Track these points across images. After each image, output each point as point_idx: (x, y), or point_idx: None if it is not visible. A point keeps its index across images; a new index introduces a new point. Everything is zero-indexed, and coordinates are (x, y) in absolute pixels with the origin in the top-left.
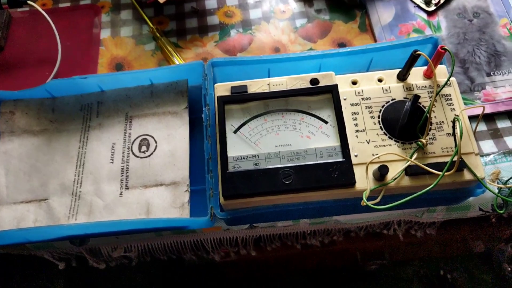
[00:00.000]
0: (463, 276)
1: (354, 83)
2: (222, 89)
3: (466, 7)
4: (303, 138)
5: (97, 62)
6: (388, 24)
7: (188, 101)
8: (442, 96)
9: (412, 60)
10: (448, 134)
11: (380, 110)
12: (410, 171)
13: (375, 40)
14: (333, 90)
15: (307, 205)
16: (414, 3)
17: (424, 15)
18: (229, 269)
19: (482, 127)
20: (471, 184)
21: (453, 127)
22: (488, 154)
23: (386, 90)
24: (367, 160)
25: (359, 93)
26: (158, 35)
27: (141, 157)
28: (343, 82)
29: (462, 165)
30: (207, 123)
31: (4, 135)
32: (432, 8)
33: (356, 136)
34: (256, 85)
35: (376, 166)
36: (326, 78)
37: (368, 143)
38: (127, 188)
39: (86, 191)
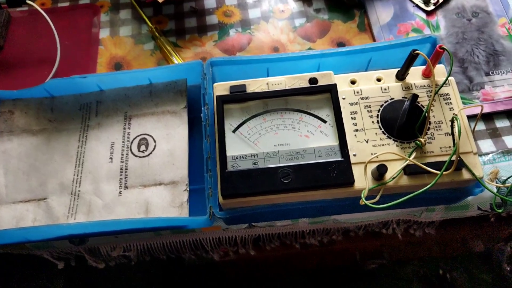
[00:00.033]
0: (463, 275)
1: (353, 82)
2: (221, 88)
3: (465, 7)
4: (302, 138)
5: (96, 62)
6: (387, 23)
7: (187, 100)
8: (440, 96)
9: (411, 60)
10: (447, 133)
11: (379, 109)
12: (409, 170)
13: (374, 40)
14: (332, 89)
15: (306, 204)
16: (413, 2)
17: (423, 15)
18: (229, 268)
19: (480, 126)
20: (469, 183)
21: (452, 127)
22: (487, 154)
23: (385, 89)
24: (366, 159)
25: (358, 92)
26: (157, 34)
27: (140, 157)
28: (342, 82)
29: (460, 164)
30: (206, 123)
31: (3, 134)
32: (431, 7)
33: (355, 135)
34: (255, 85)
35: (374, 165)
36: (325, 78)
37: (367, 142)
38: (126, 187)
39: (85, 191)
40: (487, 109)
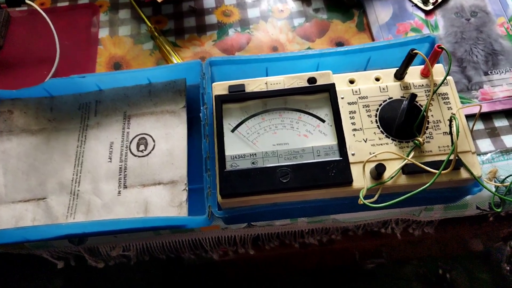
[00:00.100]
0: (462, 275)
1: (352, 82)
2: (220, 88)
3: (464, 6)
4: (300, 137)
5: (96, 61)
6: (385, 23)
7: (186, 100)
8: (439, 95)
9: (409, 59)
10: (445, 132)
11: (377, 109)
12: (407, 169)
13: (373, 39)
14: (330, 89)
15: (304, 203)
16: (412, 2)
17: (422, 14)
18: (228, 268)
19: (479, 126)
20: (468, 182)
21: (450, 126)
22: (486, 153)
23: (383, 89)
24: (364, 158)
25: (356, 92)
26: (156, 34)
27: (139, 156)
28: (340, 81)
29: (458, 164)
30: (205, 122)
31: (2, 134)
32: (430, 7)
33: (353, 134)
34: (254, 84)
35: (373, 164)
36: (323, 77)
37: (365, 141)
38: (125, 187)
39: (84, 190)
40: (485, 108)
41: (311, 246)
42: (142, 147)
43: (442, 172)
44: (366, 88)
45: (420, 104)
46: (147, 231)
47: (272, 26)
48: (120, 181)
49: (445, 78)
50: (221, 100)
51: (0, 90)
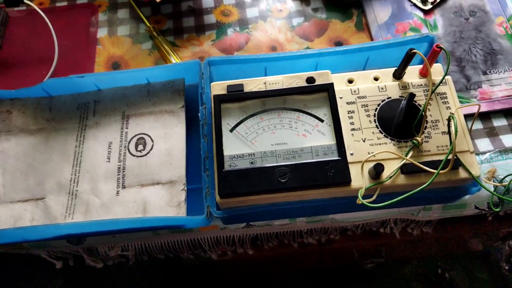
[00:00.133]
0: (461, 274)
1: (350, 81)
2: (219, 87)
3: (463, 6)
4: (299, 137)
5: (94, 61)
6: (384, 22)
7: (184, 100)
8: (437, 95)
9: (408, 59)
10: (444, 132)
11: (376, 108)
12: (406, 169)
13: (372, 39)
14: (329, 88)
15: (303, 203)
16: (411, 1)
17: (421, 14)
18: (227, 267)
19: (478, 125)
20: (466, 182)
21: (448, 126)
22: (484, 153)
23: (382, 88)
24: (363, 158)
25: (355, 91)
26: (155, 34)
27: (137, 156)
28: (339, 81)
29: (457, 163)
30: (203, 122)
31: (1, 134)
32: (429, 6)
33: (352, 134)
34: (253, 84)
35: (371, 164)
36: (322, 77)
37: (364, 141)
38: (123, 187)
39: (82, 190)
40: (484, 108)
41: (309, 246)
42: (140, 147)
43: (441, 171)
44: (364, 87)
45: (418, 104)
46: (146, 231)
47: (271, 25)
48: (118, 181)
49: (443, 78)
50: (220, 100)
51: None
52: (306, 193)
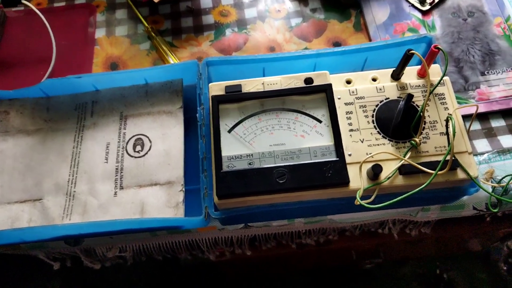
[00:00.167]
0: (460, 275)
1: (349, 82)
2: (217, 88)
3: (461, 6)
4: (297, 138)
5: (92, 62)
6: (382, 23)
7: (183, 100)
8: (435, 95)
9: (406, 60)
10: (442, 133)
11: (374, 109)
12: (404, 170)
13: (370, 40)
14: (327, 89)
15: (301, 204)
16: (409, 2)
17: (419, 15)
18: (226, 268)
19: (476, 126)
20: (464, 183)
21: (447, 126)
22: (482, 153)
23: (380, 89)
24: (361, 159)
25: (353, 92)
26: (153, 34)
27: (135, 157)
28: (337, 82)
29: (455, 164)
30: (201, 123)
31: None
32: (427, 7)
33: (350, 135)
34: (251, 85)
35: (369, 165)
36: (320, 78)
37: (362, 142)
38: (121, 188)
39: (80, 191)
40: (482, 108)
41: (308, 247)
42: (138, 148)
43: (439, 172)
44: (363, 88)
45: (416, 105)
46: (144, 232)
47: (269, 26)
48: (116, 182)
49: (441, 79)
50: (218, 100)
51: None
52: (304, 194)
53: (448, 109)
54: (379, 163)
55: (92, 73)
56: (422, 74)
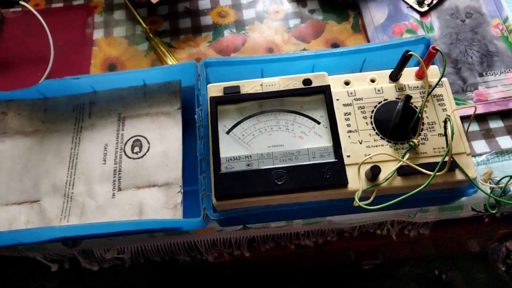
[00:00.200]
0: (458, 275)
1: (347, 83)
2: (215, 89)
3: (459, 8)
4: (295, 139)
5: (90, 63)
6: (381, 24)
7: (181, 101)
8: (434, 97)
9: (404, 61)
10: (440, 134)
11: (373, 110)
12: (402, 171)
13: (368, 41)
14: (325, 90)
15: (300, 205)
16: (407, 3)
17: (417, 16)
18: (225, 268)
19: (474, 127)
20: (463, 184)
21: (445, 128)
22: (481, 154)
23: (379, 90)
24: (360, 160)
25: (351, 93)
26: (151, 35)
27: (133, 158)
28: (335, 83)
29: (453, 165)
30: (200, 124)
31: None
32: (425, 8)
33: (349, 136)
34: (249, 86)
35: (368, 166)
36: (318, 79)
37: (361, 143)
38: (119, 189)
39: (78, 192)
40: (480, 110)
41: (306, 248)
42: (136, 149)
43: (437, 174)
44: (361, 89)
45: (415, 106)
46: (142, 233)
47: (267, 27)
48: (114, 183)
49: (440, 80)
50: (216, 101)
51: None
52: (302, 195)
53: (446, 110)
54: (378, 164)
55: (90, 74)
56: (421, 75)
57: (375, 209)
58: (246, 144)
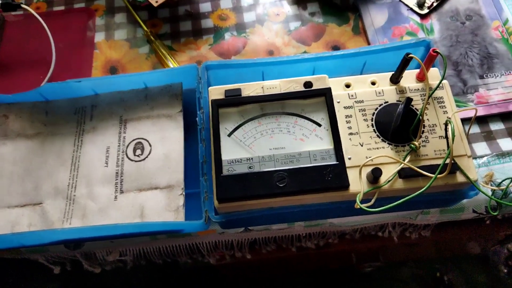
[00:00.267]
0: (459, 277)
1: (348, 86)
2: (216, 92)
3: (459, 10)
4: (297, 141)
5: (91, 66)
6: (381, 27)
7: (182, 104)
8: (434, 99)
9: (405, 63)
10: (441, 136)
11: (373, 113)
12: (403, 173)
13: (369, 43)
14: (326, 93)
15: (301, 208)
16: (407, 6)
17: (417, 18)
18: (226, 270)
19: (475, 129)
20: (464, 186)
21: (446, 130)
22: (482, 156)
23: (379, 93)
24: (361, 163)
25: (352, 96)
26: (152, 38)
27: (135, 161)
28: (336, 85)
29: (454, 168)
30: (201, 127)
31: None
32: (425, 11)
33: (350, 139)
34: (250, 88)
35: (369, 169)
36: (319, 81)
37: (362, 146)
38: (121, 191)
39: (80, 195)
40: (481, 112)
41: (308, 250)
42: (138, 152)
43: (438, 176)
44: (362, 92)
45: (415, 108)
46: (144, 236)
47: (268, 30)
48: (116, 186)
49: (440, 82)
50: (218, 104)
51: None
52: (304, 198)
53: (447, 112)
54: (379, 166)
55: (91, 77)
56: (421, 78)
57: (376, 211)
58: (248, 146)
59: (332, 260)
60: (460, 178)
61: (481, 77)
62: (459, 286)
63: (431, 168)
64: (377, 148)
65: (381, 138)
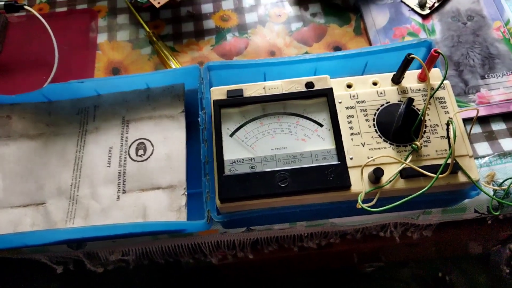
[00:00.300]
0: (461, 278)
1: (349, 86)
2: (218, 92)
3: (460, 11)
4: (298, 141)
5: (94, 66)
6: (382, 27)
7: (184, 104)
8: (436, 99)
9: (406, 64)
10: (442, 136)
11: (375, 113)
12: (405, 173)
13: (370, 44)
14: (328, 93)
15: (303, 208)
16: (409, 6)
17: (419, 19)
18: (228, 270)
19: (477, 129)
20: (466, 186)
21: (447, 130)
22: (483, 156)
23: (381, 93)
24: (362, 163)
25: (354, 96)
26: (154, 39)
27: (138, 161)
28: (338, 86)
29: (456, 168)
30: (203, 127)
31: (0, 139)
32: (427, 11)
33: (351, 139)
34: (252, 89)
35: (371, 168)
36: (321, 82)
37: (363, 146)
38: (124, 191)
39: (83, 195)
40: (483, 112)
41: (309, 249)
42: (141, 152)
43: (440, 176)
44: (363, 92)
45: (417, 108)
46: (146, 235)
47: (269, 30)
48: (119, 186)
49: (442, 82)
50: (219, 105)
51: None
52: (306, 198)
53: (449, 112)
54: (381, 166)
55: (94, 78)
56: (423, 78)
57: (378, 211)
58: (250, 146)
59: (334, 260)
60: (461, 178)
61: (483, 77)
62: (459, 286)
63: (433, 168)
64: (379, 148)
65: (383, 138)
